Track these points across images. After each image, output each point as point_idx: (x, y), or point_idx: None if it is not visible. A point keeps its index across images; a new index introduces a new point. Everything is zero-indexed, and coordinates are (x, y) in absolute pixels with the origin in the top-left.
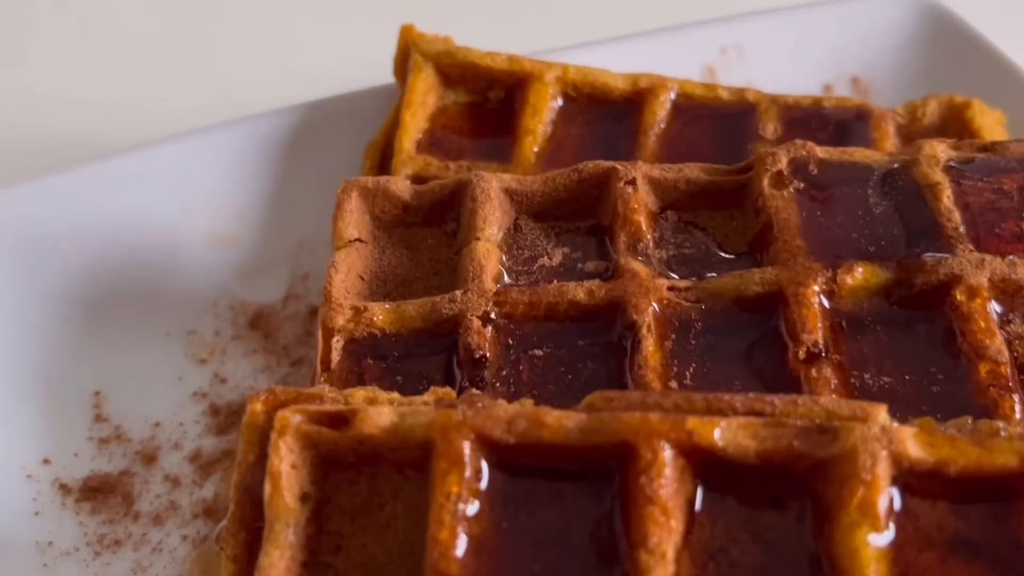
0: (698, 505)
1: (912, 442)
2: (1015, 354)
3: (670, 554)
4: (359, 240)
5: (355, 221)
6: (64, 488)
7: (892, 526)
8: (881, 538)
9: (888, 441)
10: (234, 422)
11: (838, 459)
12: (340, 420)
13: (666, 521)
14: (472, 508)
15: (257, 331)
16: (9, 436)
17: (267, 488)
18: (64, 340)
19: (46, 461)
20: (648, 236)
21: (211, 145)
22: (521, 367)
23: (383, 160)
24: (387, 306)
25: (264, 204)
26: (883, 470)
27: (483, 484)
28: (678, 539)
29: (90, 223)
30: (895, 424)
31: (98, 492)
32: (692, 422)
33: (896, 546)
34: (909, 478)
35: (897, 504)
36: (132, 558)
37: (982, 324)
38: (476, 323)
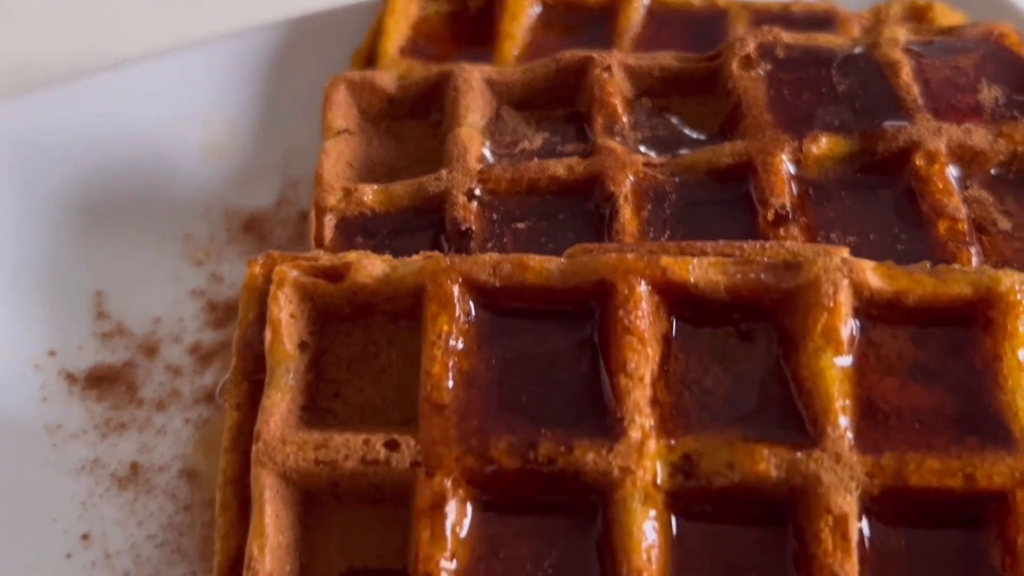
0: (673, 340)
1: (872, 273)
2: (972, 216)
3: (647, 378)
4: (347, 131)
5: (343, 113)
6: (70, 377)
7: (855, 353)
8: (844, 361)
9: (849, 271)
10: (231, 316)
11: (802, 289)
12: (335, 273)
13: (643, 349)
14: (461, 345)
15: (251, 234)
16: (16, 331)
17: (268, 336)
18: (65, 244)
19: (52, 353)
20: (624, 119)
21: (202, 59)
22: (505, 239)
23: (368, 67)
24: (376, 187)
25: (254, 115)
26: (844, 297)
27: (471, 324)
28: (654, 367)
29: (87, 135)
30: (856, 261)
31: (103, 381)
32: (666, 260)
33: (859, 372)
34: (870, 308)
35: (859, 334)
36: (137, 440)
37: (940, 185)
38: (462, 199)
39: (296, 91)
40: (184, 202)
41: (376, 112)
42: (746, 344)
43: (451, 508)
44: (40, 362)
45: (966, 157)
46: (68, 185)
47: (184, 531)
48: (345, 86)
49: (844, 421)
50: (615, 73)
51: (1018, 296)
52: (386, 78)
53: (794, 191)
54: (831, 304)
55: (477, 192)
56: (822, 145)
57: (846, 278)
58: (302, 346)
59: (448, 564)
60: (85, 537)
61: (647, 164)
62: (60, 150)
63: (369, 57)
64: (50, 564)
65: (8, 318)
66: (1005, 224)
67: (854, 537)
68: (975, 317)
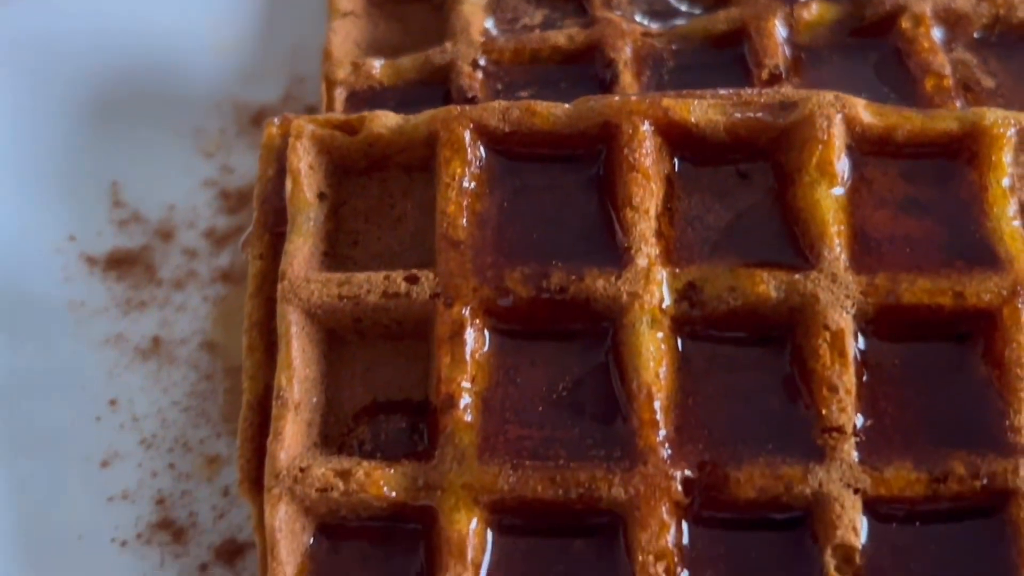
0: (675, 179)
1: (863, 109)
2: (957, 75)
3: (652, 211)
4: (352, 13)
5: None
6: (91, 260)
7: (848, 186)
8: (839, 192)
9: (842, 106)
10: (244, 203)
11: (798, 125)
12: (350, 127)
13: (647, 184)
14: (474, 187)
15: (259, 128)
16: (36, 218)
17: (288, 185)
18: (81, 138)
19: (72, 238)
20: None
21: None
22: None
23: None
24: (384, 60)
25: (262, 14)
26: (838, 130)
27: (483, 168)
28: (658, 203)
29: (100, 34)
30: (849, 97)
31: (122, 263)
32: (667, 101)
33: (852, 203)
34: (862, 144)
35: (852, 169)
36: (158, 316)
37: (926, 45)
38: (467, 68)
39: None
40: (195, 98)
41: None
42: (745, 182)
43: (469, 335)
44: (61, 246)
45: (950, 20)
46: (83, 82)
47: (207, 397)
48: None
49: (839, 245)
50: None
51: (1001, 130)
52: None
53: (787, 54)
54: (825, 137)
55: (482, 62)
56: (813, 11)
57: (839, 112)
58: (321, 196)
59: (468, 386)
60: (113, 403)
61: (645, 33)
62: (75, 49)
63: None
64: (81, 426)
65: (28, 206)
66: (989, 83)
67: (851, 352)
68: (961, 151)
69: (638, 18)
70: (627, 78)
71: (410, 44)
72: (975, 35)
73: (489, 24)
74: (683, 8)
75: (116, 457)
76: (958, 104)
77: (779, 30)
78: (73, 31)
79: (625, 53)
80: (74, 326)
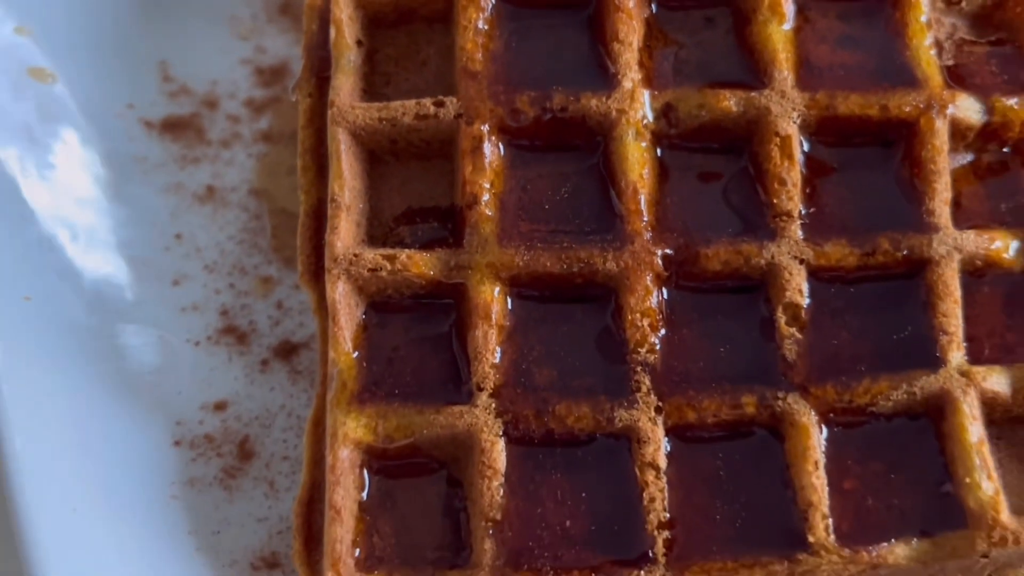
0: (653, 23)
1: None
2: None
3: (635, 45)
4: None
5: None
6: (148, 124)
7: (794, 25)
8: (787, 27)
9: None
10: (278, 78)
11: None
12: None
13: (630, 22)
14: (487, 29)
15: (286, 16)
16: (98, 88)
17: (332, 33)
18: (132, 24)
19: (130, 106)
20: None
21: None
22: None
23: None
24: None
25: None
26: None
27: (494, 15)
28: (640, 39)
29: None
30: None
31: (175, 127)
32: None
33: (798, 38)
34: None
35: (798, 11)
36: (210, 170)
37: None
38: None
39: None
40: None
41: None
42: (710, 24)
43: (487, 148)
44: (121, 112)
45: None
46: None
47: (257, 232)
48: None
49: (787, 69)
50: None
51: None
52: None
53: None
54: None
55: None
56: None
57: None
58: (359, 43)
59: (488, 186)
60: (178, 236)
61: None
62: None
63: None
64: (153, 254)
65: (90, 80)
66: None
67: (797, 154)
68: None
69: None
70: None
71: None
72: None
73: None
74: None
75: (185, 278)
76: None
77: None
78: None
79: None
80: (140, 175)
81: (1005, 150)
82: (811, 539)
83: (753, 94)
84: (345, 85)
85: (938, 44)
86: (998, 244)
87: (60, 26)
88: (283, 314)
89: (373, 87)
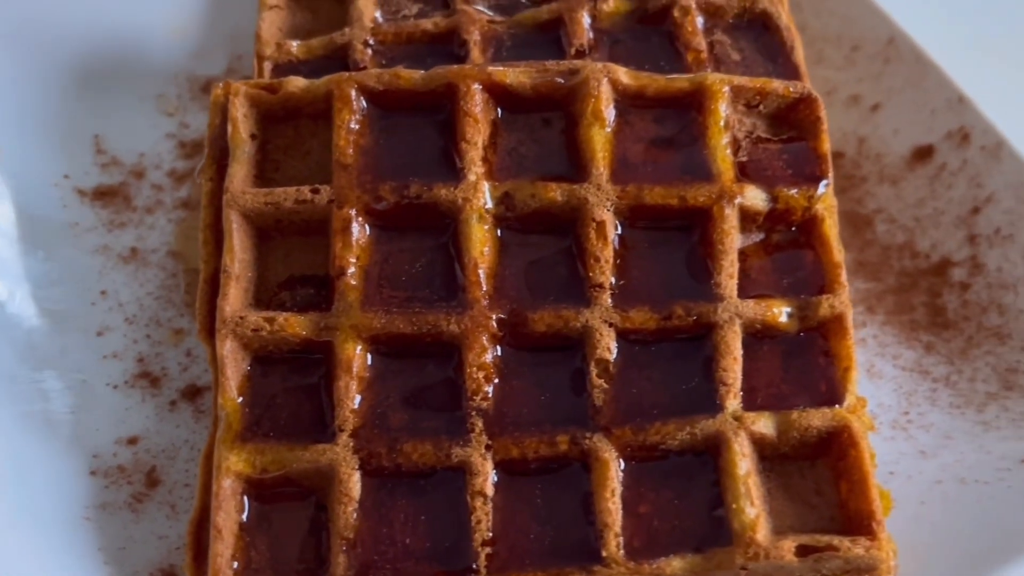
0: (499, 123)
1: (623, 74)
2: (715, 52)
3: (479, 144)
4: (278, 7)
5: None
6: (81, 192)
7: (615, 127)
8: (607, 131)
9: (608, 72)
10: (199, 151)
11: (579, 85)
12: (272, 88)
13: (476, 125)
14: (358, 128)
15: (208, 94)
16: (37, 160)
17: (230, 129)
18: (69, 102)
19: (66, 176)
20: None
21: None
22: None
23: None
24: (299, 42)
25: (207, 5)
26: (605, 89)
27: (365, 116)
28: (485, 138)
29: (79, 22)
30: (613, 66)
31: (106, 195)
32: (491, 69)
33: (617, 138)
34: (625, 98)
35: (619, 115)
36: (135, 233)
37: (690, 29)
38: (360, 47)
39: None
40: (157, 70)
41: None
42: (547, 125)
43: (355, 228)
44: (58, 182)
45: (710, 10)
46: (69, 60)
47: (172, 290)
48: None
49: (603, 166)
50: None
51: (719, 87)
52: None
53: (591, 36)
54: (596, 93)
55: (370, 42)
56: (610, 5)
57: (606, 77)
58: (252, 137)
59: (354, 261)
60: (103, 293)
61: (491, 21)
62: (62, 34)
63: None
64: (79, 309)
65: (31, 153)
66: (736, 57)
67: (611, 236)
68: (692, 103)
69: (489, 11)
70: (475, 54)
71: (319, 29)
72: (730, 20)
73: (378, 15)
74: (522, 2)
75: (107, 329)
76: (708, 70)
77: (585, 19)
78: (61, 20)
79: (475, 36)
80: (72, 239)
81: (793, 229)
82: (604, 554)
83: (575, 186)
84: (239, 173)
85: (735, 142)
86: (775, 311)
87: (2, 102)
88: (191, 361)
89: (264, 173)
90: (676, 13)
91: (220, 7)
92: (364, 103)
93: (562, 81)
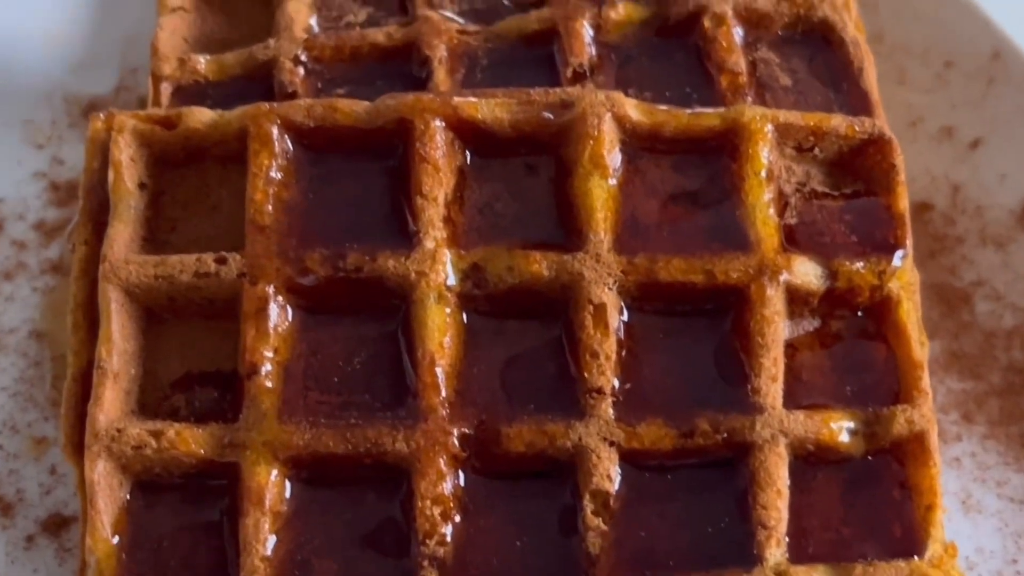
0: (467, 171)
1: (632, 108)
2: (758, 74)
3: (441, 199)
4: (182, 8)
5: None
6: None
7: (622, 177)
8: (611, 183)
9: (612, 105)
10: (74, 195)
11: (573, 122)
12: (169, 122)
13: (436, 175)
14: (281, 177)
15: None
16: None
17: (111, 176)
18: None
19: None
20: None
21: None
22: None
23: None
24: (209, 56)
25: (92, 4)
26: (607, 127)
27: (289, 160)
28: (448, 191)
29: None
30: (620, 96)
31: None
32: (457, 100)
33: (624, 192)
34: (635, 139)
35: (627, 161)
36: None
37: (724, 44)
38: (288, 64)
39: None
40: (24, 89)
41: None
42: (532, 173)
43: (273, 311)
44: None
45: (752, 19)
46: None
47: (35, 383)
48: None
49: (604, 230)
50: None
51: (759, 125)
52: None
53: (594, 53)
54: (596, 133)
55: (303, 59)
56: (620, 12)
57: (609, 111)
58: (141, 186)
59: (270, 355)
60: None
61: (461, 32)
62: None
63: None
64: None
65: None
66: (786, 80)
67: (613, 323)
68: (724, 145)
69: (459, 17)
70: (441, 75)
71: (238, 39)
72: (779, 33)
73: (313, 21)
74: (504, 5)
75: None
76: (749, 100)
77: (586, 30)
78: None
79: (440, 51)
80: None
81: (858, 315)
82: None
83: (566, 257)
84: (122, 235)
85: (782, 198)
86: (833, 427)
87: None
88: (56, 480)
89: (156, 235)
90: (707, 23)
91: (110, 5)
92: (289, 144)
93: (551, 117)
